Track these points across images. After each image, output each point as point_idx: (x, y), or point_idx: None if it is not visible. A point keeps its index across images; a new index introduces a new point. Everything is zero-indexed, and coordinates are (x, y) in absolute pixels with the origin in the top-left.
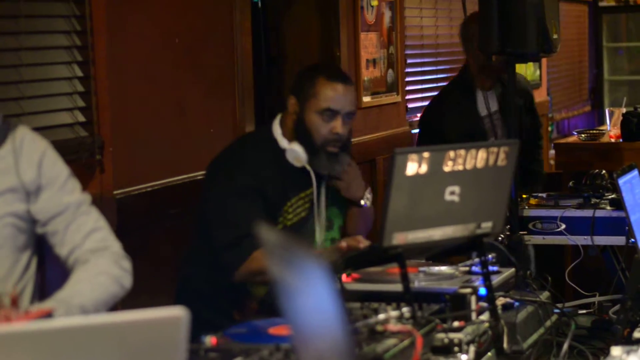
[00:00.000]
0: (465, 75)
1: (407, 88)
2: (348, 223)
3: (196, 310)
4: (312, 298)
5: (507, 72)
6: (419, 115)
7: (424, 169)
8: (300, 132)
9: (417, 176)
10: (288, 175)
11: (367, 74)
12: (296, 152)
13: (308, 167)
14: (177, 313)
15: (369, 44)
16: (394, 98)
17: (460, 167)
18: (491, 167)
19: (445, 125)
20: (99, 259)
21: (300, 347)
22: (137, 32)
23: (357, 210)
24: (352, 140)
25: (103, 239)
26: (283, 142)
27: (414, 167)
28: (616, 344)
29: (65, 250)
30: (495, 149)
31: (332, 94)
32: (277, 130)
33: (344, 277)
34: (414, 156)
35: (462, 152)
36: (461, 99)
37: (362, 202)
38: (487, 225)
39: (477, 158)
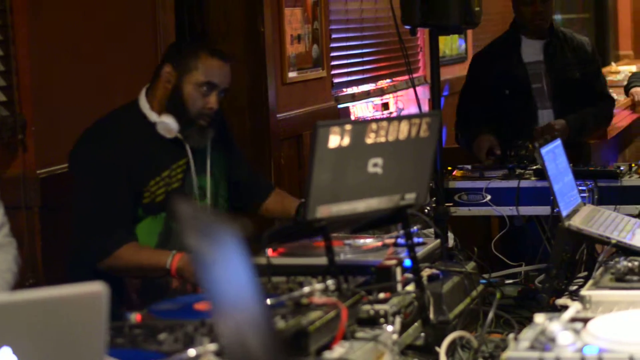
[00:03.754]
0: (513, 25)
1: (333, 63)
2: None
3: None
4: (228, 270)
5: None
6: (344, 90)
7: (346, 141)
8: (174, 103)
9: (339, 149)
10: (157, 148)
11: (292, 49)
12: (167, 124)
13: (180, 137)
14: (97, 288)
15: (294, 20)
16: (320, 73)
17: (383, 139)
18: (413, 139)
19: (491, 70)
20: (5, 255)
21: (219, 320)
22: (58, 9)
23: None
24: (278, 116)
25: (8, 234)
26: (152, 116)
27: (336, 139)
28: (541, 312)
29: None
30: (417, 120)
31: (214, 69)
32: (144, 104)
33: (269, 251)
34: (336, 129)
35: (384, 123)
36: (507, 46)
37: None
38: (410, 197)
39: (399, 130)
